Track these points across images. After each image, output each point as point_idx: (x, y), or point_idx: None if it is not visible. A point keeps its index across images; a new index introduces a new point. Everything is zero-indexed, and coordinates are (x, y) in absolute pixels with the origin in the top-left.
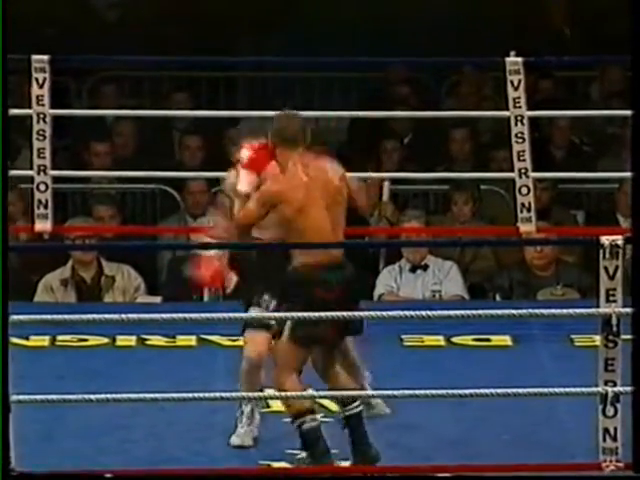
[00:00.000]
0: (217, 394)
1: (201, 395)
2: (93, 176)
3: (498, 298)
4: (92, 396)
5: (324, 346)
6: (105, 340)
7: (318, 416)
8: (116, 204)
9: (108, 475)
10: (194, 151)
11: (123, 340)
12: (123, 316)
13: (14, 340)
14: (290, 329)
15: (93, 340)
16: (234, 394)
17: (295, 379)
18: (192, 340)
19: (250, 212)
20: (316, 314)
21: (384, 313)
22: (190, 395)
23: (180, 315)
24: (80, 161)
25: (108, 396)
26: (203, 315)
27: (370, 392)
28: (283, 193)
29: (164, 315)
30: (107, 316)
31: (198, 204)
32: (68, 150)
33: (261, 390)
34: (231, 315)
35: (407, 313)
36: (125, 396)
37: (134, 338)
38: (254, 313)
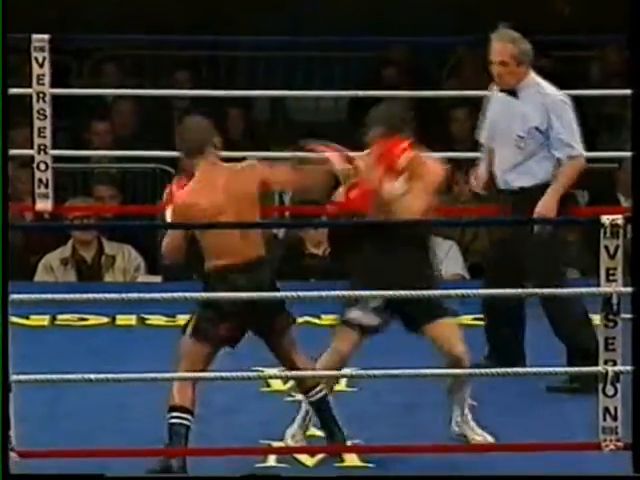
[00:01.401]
0: (217, 374)
1: (201, 375)
2: (93, 155)
3: None
4: (92, 376)
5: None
6: (105, 319)
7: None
8: (116, 184)
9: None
10: None
11: (123, 319)
12: (123, 295)
13: (14, 319)
14: (192, 325)
15: (93, 319)
16: (235, 374)
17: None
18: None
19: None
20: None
21: (383, 292)
22: (190, 375)
23: (180, 294)
24: (80, 141)
25: (108, 376)
26: (203, 294)
27: (368, 372)
28: (189, 206)
29: (164, 294)
30: (107, 295)
31: None
32: (68, 130)
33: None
34: (231, 295)
35: (406, 292)
36: (125, 376)
37: (134, 317)
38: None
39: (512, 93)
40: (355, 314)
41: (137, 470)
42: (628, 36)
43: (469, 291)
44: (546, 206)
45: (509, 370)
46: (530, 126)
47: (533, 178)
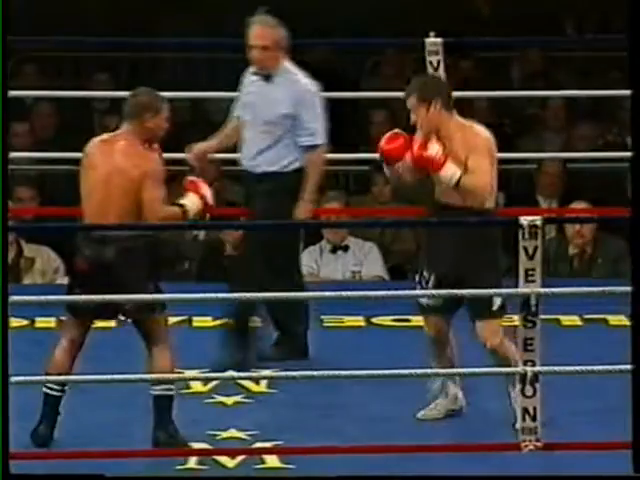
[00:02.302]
0: (137, 376)
1: (124, 377)
2: (13, 157)
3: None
4: (92, 376)
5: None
6: (24, 322)
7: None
8: (36, 185)
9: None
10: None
11: (42, 322)
12: (42, 298)
13: None
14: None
15: (13, 322)
16: (154, 376)
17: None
18: (111, 321)
19: None
20: None
21: (304, 294)
22: (109, 377)
23: (99, 297)
24: None
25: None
26: (122, 297)
27: (288, 374)
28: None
29: (85, 297)
30: (26, 297)
31: None
32: None
33: (452, 366)
34: (154, 297)
35: (327, 294)
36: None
37: (53, 320)
38: None
39: (266, 78)
40: (423, 299)
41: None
42: (629, 36)
43: (388, 292)
44: (301, 209)
45: (428, 371)
46: (280, 112)
47: (278, 164)
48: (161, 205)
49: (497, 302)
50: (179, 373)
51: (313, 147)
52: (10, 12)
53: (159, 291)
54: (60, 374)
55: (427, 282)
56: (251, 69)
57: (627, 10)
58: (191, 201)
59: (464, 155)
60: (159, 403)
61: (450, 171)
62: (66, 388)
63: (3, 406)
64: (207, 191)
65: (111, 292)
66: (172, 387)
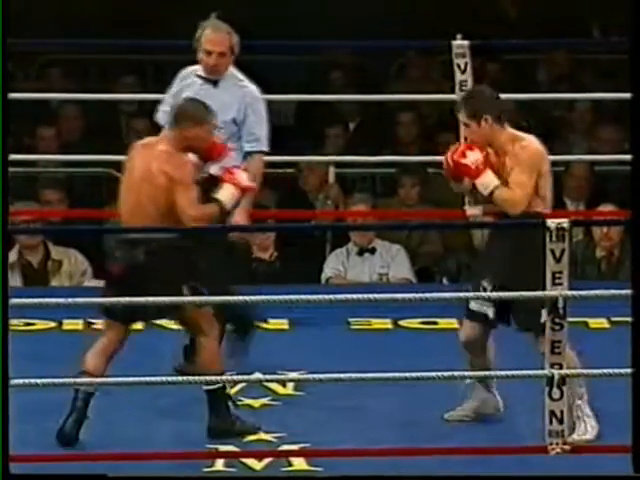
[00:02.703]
0: (162, 378)
1: (148, 379)
2: (40, 160)
3: (445, 281)
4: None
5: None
6: (52, 324)
7: None
8: (64, 188)
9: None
10: (142, 134)
11: (70, 324)
12: (70, 300)
13: None
14: None
15: (40, 324)
16: (179, 378)
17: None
18: (139, 324)
19: None
20: None
21: (331, 296)
22: (137, 379)
23: (126, 299)
24: (25, 145)
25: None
26: (150, 299)
27: (315, 376)
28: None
29: (112, 299)
30: (54, 300)
31: None
32: (13, 134)
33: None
34: (177, 299)
35: (354, 296)
36: (72, 380)
37: (81, 322)
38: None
39: (214, 83)
40: (473, 304)
41: None
42: (630, 35)
43: (416, 295)
44: (238, 215)
45: (456, 374)
46: (227, 117)
47: (221, 168)
48: (195, 207)
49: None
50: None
51: (256, 153)
52: (10, 12)
53: (198, 291)
54: (94, 375)
55: (485, 290)
56: (197, 72)
57: (629, 13)
58: (226, 193)
59: (510, 168)
60: (210, 396)
61: (486, 180)
62: (96, 390)
63: (3, 406)
64: (242, 176)
65: (143, 294)
66: (220, 379)
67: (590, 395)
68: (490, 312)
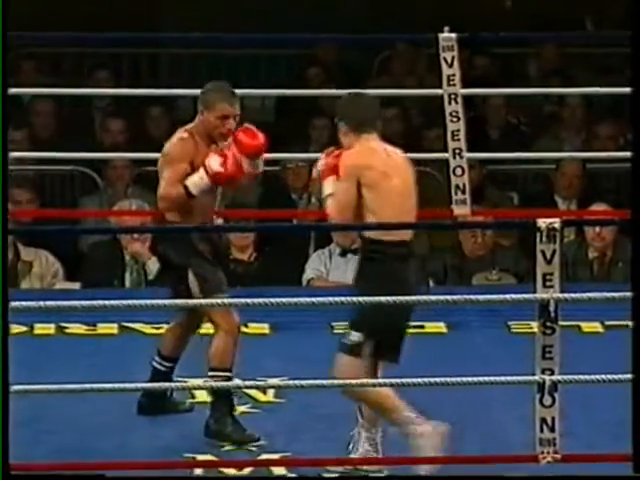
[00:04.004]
0: (138, 384)
1: (122, 386)
2: (10, 158)
3: (431, 284)
4: (96, 385)
5: None
6: (23, 328)
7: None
8: (35, 187)
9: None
10: (115, 133)
11: (41, 328)
12: (41, 303)
13: None
14: None
15: (10, 328)
16: (156, 384)
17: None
18: (114, 328)
19: None
20: None
21: (314, 299)
22: (112, 385)
23: (100, 302)
24: None
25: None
26: (124, 302)
27: (297, 382)
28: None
29: (84, 302)
30: (24, 303)
31: (120, 186)
32: None
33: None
34: (154, 302)
35: (338, 299)
36: (44, 387)
37: (53, 326)
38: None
39: None
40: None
41: None
42: (630, 34)
43: (402, 297)
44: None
45: (443, 380)
46: None
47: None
48: (164, 186)
49: (354, 336)
50: (182, 382)
51: None
52: (10, 11)
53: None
54: (170, 357)
55: None
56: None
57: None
58: (195, 177)
59: None
60: (213, 394)
61: (324, 187)
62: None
63: (3, 404)
64: (213, 161)
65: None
66: (227, 375)
67: (583, 403)
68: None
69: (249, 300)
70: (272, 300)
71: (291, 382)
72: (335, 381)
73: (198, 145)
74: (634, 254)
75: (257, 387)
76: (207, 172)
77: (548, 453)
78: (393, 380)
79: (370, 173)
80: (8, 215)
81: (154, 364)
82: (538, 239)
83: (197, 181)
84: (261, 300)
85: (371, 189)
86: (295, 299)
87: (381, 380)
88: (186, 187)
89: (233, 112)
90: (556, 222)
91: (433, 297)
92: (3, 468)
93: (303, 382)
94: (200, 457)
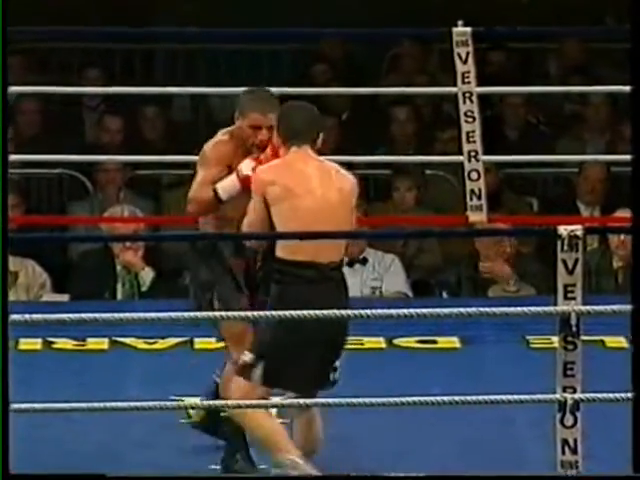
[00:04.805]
0: (132, 403)
1: (114, 405)
2: None
3: (445, 295)
4: (96, 404)
5: None
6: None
7: None
8: (20, 191)
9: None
10: (107, 133)
11: (27, 343)
12: (27, 316)
13: None
14: None
15: None
16: (150, 403)
17: None
18: (104, 343)
19: None
20: None
21: (318, 312)
22: (102, 405)
23: (90, 315)
24: None
25: (112, 404)
26: (116, 315)
27: (301, 400)
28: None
29: (72, 315)
30: (10, 316)
31: (111, 191)
32: None
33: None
34: (147, 315)
35: (344, 312)
36: (29, 406)
37: (39, 341)
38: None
39: None
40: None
41: None
42: (630, 32)
43: (412, 310)
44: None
45: (457, 398)
46: None
47: None
48: (194, 189)
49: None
50: (179, 401)
51: None
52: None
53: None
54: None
55: None
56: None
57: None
58: (227, 181)
59: None
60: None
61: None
62: None
63: (3, 404)
64: (244, 165)
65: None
66: (203, 404)
67: (606, 423)
68: None
69: (250, 313)
70: (274, 312)
71: (294, 400)
72: (341, 400)
73: (238, 149)
74: (635, 263)
75: (259, 406)
76: (238, 176)
77: (570, 477)
78: (401, 399)
79: (273, 189)
80: None
81: (217, 379)
82: (559, 247)
83: (227, 185)
84: (262, 313)
85: (274, 206)
86: (299, 311)
87: (392, 399)
88: (215, 191)
89: (265, 122)
90: (578, 229)
91: (446, 310)
92: (3, 468)
93: (307, 400)
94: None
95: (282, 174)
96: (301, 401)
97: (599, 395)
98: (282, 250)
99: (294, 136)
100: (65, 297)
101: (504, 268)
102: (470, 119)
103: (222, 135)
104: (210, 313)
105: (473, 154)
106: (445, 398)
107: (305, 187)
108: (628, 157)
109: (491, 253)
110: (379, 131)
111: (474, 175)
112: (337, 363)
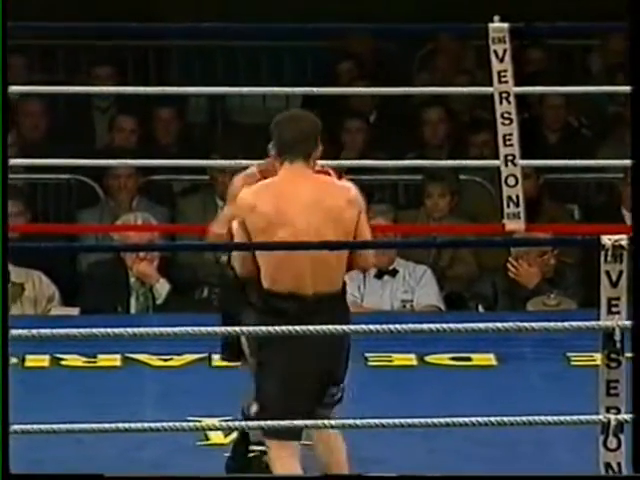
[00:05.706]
0: (146, 424)
1: (127, 426)
2: None
3: (480, 309)
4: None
5: None
6: (13, 360)
7: None
8: (24, 198)
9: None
10: (119, 136)
11: (34, 360)
12: (34, 331)
13: None
14: None
15: None
16: (165, 424)
17: None
18: (116, 360)
19: None
20: None
21: (345, 327)
22: (113, 426)
23: (102, 330)
24: None
25: (119, 425)
26: (129, 330)
27: (330, 422)
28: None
29: (83, 330)
30: (15, 332)
31: (124, 198)
32: None
33: None
34: (162, 330)
35: (372, 327)
36: (35, 427)
37: (47, 358)
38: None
39: None
40: None
41: None
42: (629, 30)
43: (445, 325)
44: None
45: (493, 419)
46: None
47: None
48: (214, 223)
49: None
50: (196, 422)
51: None
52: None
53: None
54: None
55: None
56: None
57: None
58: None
59: None
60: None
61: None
62: None
63: (3, 403)
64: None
65: None
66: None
67: None
68: None
69: (271, 328)
70: (297, 328)
71: (319, 421)
72: (370, 420)
73: None
74: (635, 275)
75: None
76: None
77: None
78: (433, 419)
79: (252, 218)
80: None
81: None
82: (603, 258)
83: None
84: (284, 328)
85: (253, 236)
86: (324, 326)
87: (423, 420)
88: (230, 229)
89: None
90: (623, 239)
91: (481, 324)
92: (3, 468)
93: (333, 422)
94: None
95: (265, 199)
96: (326, 422)
97: None
98: (264, 279)
99: (286, 151)
100: (75, 311)
101: (531, 270)
102: (507, 121)
103: (252, 168)
104: (229, 328)
105: (510, 158)
106: (480, 419)
107: (287, 215)
108: None
109: (522, 255)
110: (410, 134)
111: (511, 181)
112: (334, 390)
